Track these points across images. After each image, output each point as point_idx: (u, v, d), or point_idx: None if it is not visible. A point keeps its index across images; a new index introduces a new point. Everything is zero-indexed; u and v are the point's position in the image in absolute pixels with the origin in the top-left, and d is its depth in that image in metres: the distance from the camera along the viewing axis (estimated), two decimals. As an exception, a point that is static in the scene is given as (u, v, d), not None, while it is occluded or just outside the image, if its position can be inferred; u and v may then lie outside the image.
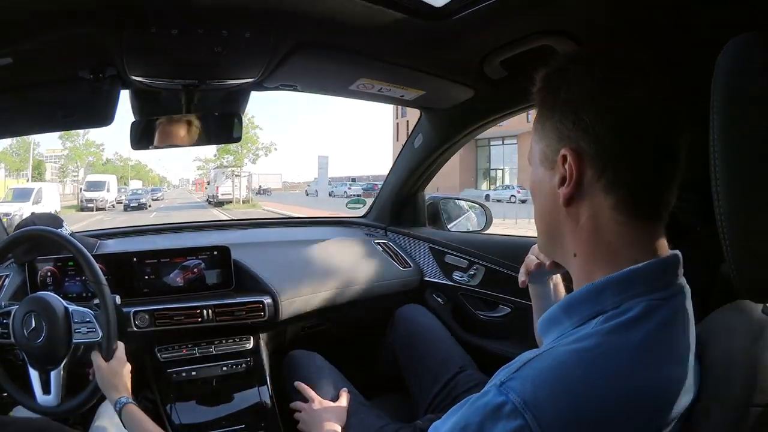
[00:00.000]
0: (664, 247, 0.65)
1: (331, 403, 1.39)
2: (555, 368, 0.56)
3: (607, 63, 0.65)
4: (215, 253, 1.70)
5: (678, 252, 0.65)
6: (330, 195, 31.17)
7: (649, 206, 0.64)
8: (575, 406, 0.53)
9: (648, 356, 0.58)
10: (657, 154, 0.62)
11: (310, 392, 1.43)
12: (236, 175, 28.25)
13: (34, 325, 1.23)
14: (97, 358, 1.25)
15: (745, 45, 0.55)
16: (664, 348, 0.60)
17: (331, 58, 1.36)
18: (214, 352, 1.55)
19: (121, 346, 1.27)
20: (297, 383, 1.47)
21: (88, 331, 1.25)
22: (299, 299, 1.70)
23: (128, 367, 1.27)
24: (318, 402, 1.40)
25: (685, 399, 0.60)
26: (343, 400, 1.43)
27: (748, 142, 0.53)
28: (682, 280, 0.65)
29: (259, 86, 1.55)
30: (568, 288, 1.10)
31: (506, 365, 0.61)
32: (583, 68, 0.65)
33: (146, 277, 1.62)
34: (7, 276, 1.53)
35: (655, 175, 0.63)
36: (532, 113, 0.80)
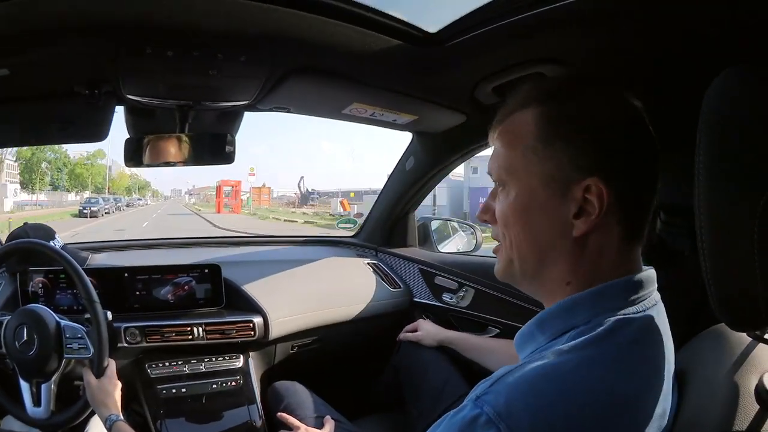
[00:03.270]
0: (640, 264, 0.67)
1: (317, 430, 1.39)
2: (528, 381, 0.57)
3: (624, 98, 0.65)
4: (206, 270, 1.70)
5: (651, 268, 0.67)
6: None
7: (643, 230, 0.66)
8: (548, 417, 0.54)
9: (620, 368, 0.59)
10: (657, 183, 0.65)
11: (294, 421, 1.42)
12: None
13: (26, 338, 1.24)
14: (87, 374, 1.25)
15: (733, 78, 0.55)
16: (637, 360, 0.61)
17: (324, 83, 1.38)
18: (203, 370, 1.55)
19: (111, 364, 1.28)
20: (279, 414, 1.46)
21: (79, 347, 1.26)
22: (289, 319, 1.70)
23: (118, 384, 1.27)
24: (304, 429, 1.39)
25: (660, 410, 0.60)
26: (329, 428, 1.42)
27: (731, 175, 0.53)
28: (656, 296, 0.67)
29: (253, 108, 1.58)
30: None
31: (483, 381, 0.62)
32: (611, 97, 0.65)
33: (137, 292, 1.62)
34: None
35: (653, 202, 0.65)
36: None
